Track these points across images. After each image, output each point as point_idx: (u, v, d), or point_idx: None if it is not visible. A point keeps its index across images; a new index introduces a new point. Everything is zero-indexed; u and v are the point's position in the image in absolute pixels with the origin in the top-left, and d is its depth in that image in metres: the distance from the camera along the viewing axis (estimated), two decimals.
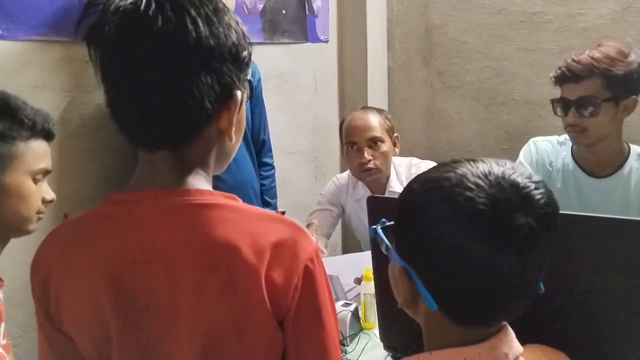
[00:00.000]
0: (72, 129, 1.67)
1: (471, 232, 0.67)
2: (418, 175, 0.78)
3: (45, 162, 1.15)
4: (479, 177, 0.69)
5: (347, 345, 1.43)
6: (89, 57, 0.70)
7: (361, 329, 1.51)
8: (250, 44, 0.76)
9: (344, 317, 1.44)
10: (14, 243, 1.16)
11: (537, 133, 1.90)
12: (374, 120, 1.94)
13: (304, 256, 0.72)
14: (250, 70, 0.77)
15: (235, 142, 0.78)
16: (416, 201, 0.73)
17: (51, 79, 1.61)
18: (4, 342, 1.11)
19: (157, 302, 0.71)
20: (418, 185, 0.75)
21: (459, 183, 0.69)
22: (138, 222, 0.72)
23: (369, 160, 1.91)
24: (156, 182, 0.73)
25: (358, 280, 1.68)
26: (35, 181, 1.13)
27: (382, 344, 1.27)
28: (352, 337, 1.47)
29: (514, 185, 0.68)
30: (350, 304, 1.51)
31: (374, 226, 0.81)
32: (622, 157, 1.63)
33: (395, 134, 2.01)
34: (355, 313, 1.49)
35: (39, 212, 1.15)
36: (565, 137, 1.71)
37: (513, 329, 0.75)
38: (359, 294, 1.61)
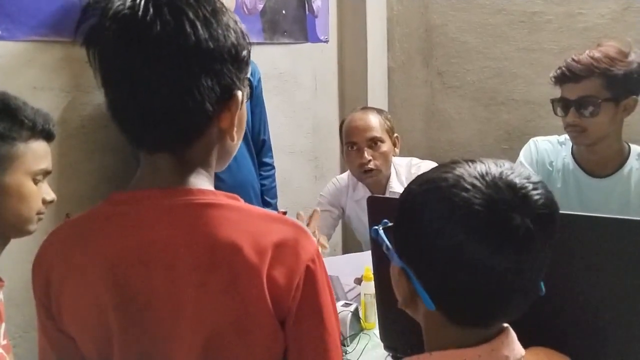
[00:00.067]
0: (72, 129, 1.67)
1: (467, 232, 0.67)
2: (418, 175, 0.78)
3: (46, 163, 1.15)
4: (475, 177, 0.69)
5: (348, 346, 1.43)
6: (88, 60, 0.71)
7: (361, 329, 1.51)
8: (250, 43, 0.76)
9: (344, 318, 1.44)
10: (14, 243, 1.16)
11: (537, 133, 1.90)
12: (374, 121, 1.94)
13: (305, 256, 0.72)
14: (250, 69, 0.77)
15: (237, 141, 0.79)
16: (414, 202, 0.74)
17: (51, 80, 1.61)
18: (4, 342, 1.11)
19: (158, 301, 0.71)
20: (417, 185, 0.75)
21: (455, 184, 0.69)
22: (139, 222, 0.72)
23: (369, 161, 1.90)
24: (158, 182, 0.73)
25: (358, 281, 1.68)
26: (36, 182, 1.13)
27: (382, 344, 1.27)
28: (352, 337, 1.47)
29: (511, 186, 0.68)
30: (351, 304, 1.51)
31: (376, 227, 0.81)
32: (622, 157, 1.63)
33: (395, 134, 2.01)
34: (355, 313, 1.49)
35: (39, 213, 1.15)
36: (565, 137, 1.71)
37: (512, 329, 0.75)
38: (359, 294, 1.61)
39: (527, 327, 0.76)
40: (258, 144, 2.10)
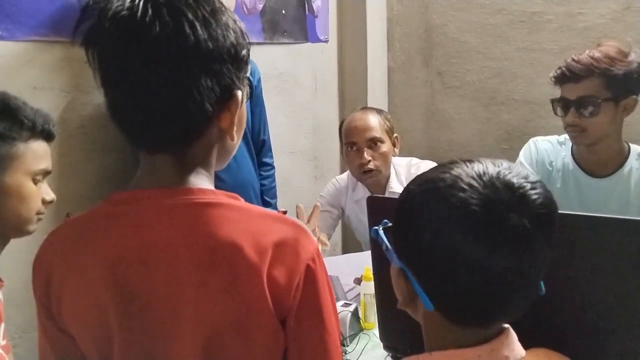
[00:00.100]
0: (71, 129, 1.67)
1: (465, 233, 0.67)
2: (417, 176, 0.78)
3: (45, 163, 1.15)
4: (473, 177, 0.69)
5: (347, 346, 1.43)
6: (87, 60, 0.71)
7: (361, 329, 1.51)
8: (249, 42, 0.75)
9: (344, 317, 1.44)
10: (14, 243, 1.16)
11: (537, 133, 1.90)
12: (374, 121, 1.94)
13: (305, 255, 0.72)
14: (249, 68, 0.77)
15: (237, 140, 0.79)
16: (413, 202, 0.74)
17: (51, 80, 1.61)
18: (3, 342, 1.11)
19: (158, 301, 0.71)
20: (415, 186, 0.75)
21: (453, 184, 0.69)
22: (139, 222, 0.72)
23: (369, 161, 1.90)
24: (158, 181, 0.73)
25: (358, 281, 1.68)
26: (35, 182, 1.13)
27: (382, 344, 1.27)
28: (352, 337, 1.47)
29: (508, 186, 0.68)
30: (350, 304, 1.51)
31: (375, 227, 0.81)
32: (622, 157, 1.63)
33: (395, 135, 2.01)
34: (355, 313, 1.49)
35: (39, 213, 1.15)
36: (565, 137, 1.71)
37: (512, 329, 0.75)
38: (359, 294, 1.61)
39: (527, 327, 0.76)
40: (258, 144, 2.10)
